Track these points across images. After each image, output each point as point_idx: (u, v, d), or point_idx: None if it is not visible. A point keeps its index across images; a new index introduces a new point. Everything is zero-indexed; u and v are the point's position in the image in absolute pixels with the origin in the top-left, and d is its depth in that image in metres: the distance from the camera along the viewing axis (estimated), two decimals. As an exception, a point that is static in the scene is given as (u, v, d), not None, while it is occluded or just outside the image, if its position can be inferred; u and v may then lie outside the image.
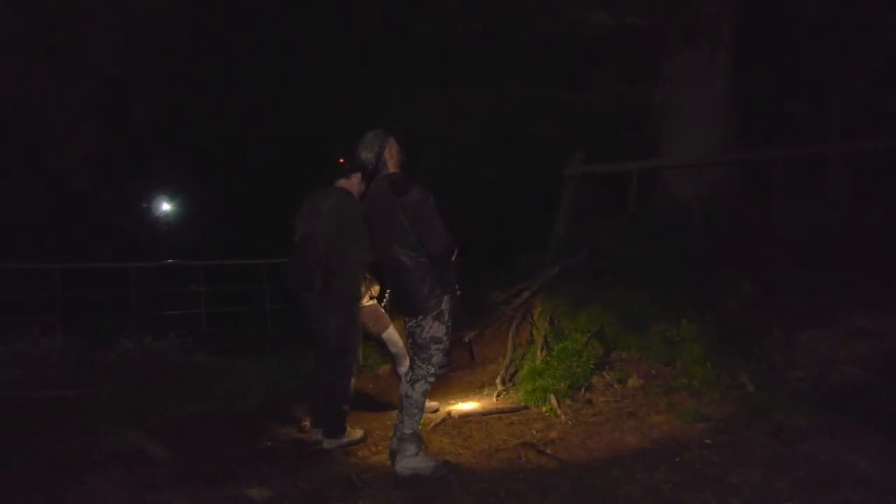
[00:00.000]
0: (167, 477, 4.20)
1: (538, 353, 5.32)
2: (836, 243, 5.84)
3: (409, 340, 3.93)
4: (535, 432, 4.29)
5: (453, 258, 3.77)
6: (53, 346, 6.10)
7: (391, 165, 3.86)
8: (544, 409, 4.60)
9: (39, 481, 3.92)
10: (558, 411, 4.47)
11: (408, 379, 3.81)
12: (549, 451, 3.93)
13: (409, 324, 3.83)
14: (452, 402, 5.13)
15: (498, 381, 5.28)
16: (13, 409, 5.20)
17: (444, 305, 3.73)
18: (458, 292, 3.84)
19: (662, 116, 7.85)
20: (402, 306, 3.86)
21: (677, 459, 3.51)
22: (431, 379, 3.78)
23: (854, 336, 4.55)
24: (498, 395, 5.07)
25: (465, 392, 5.39)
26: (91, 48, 7.98)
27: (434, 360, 3.75)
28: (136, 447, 4.60)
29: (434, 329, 3.72)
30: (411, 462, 3.66)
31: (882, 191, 6.26)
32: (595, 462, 3.65)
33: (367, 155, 3.84)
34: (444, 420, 4.66)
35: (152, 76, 8.50)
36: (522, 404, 4.76)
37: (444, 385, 5.51)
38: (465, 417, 4.68)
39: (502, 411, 4.72)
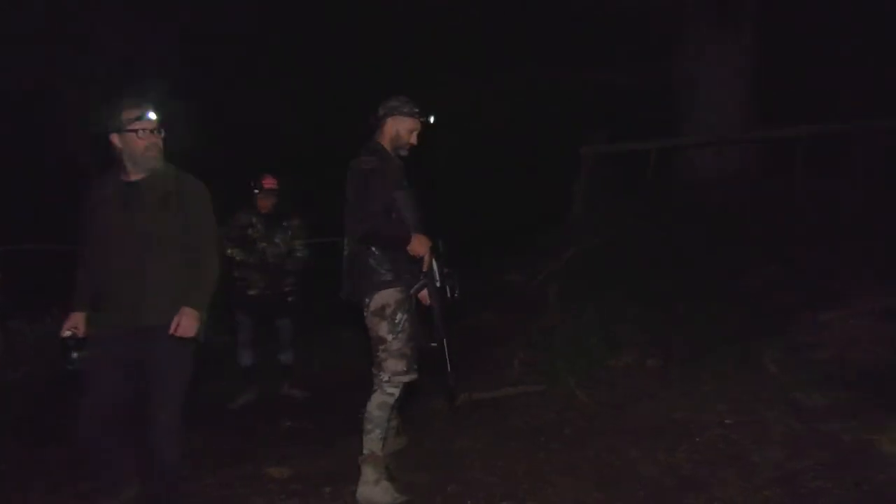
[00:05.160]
0: (189, 456, 4.27)
1: (556, 334, 5.31)
2: (860, 222, 5.74)
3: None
4: (553, 413, 4.29)
5: (402, 247, 3.24)
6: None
7: (384, 138, 3.41)
8: (563, 390, 4.59)
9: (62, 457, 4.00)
10: (577, 392, 4.46)
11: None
12: (567, 431, 3.93)
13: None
14: (470, 384, 5.15)
15: (516, 362, 5.27)
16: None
17: (388, 301, 3.24)
18: (417, 289, 3.33)
19: (683, 94, 7.73)
20: (346, 288, 3.41)
21: (698, 439, 3.50)
22: (390, 390, 3.26)
23: (878, 316, 4.47)
24: (515, 377, 5.06)
25: (484, 374, 5.40)
26: (98, 34, 8.04)
27: (385, 366, 3.25)
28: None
29: (375, 326, 3.27)
30: (368, 491, 3.20)
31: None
32: (614, 442, 3.64)
33: (378, 110, 3.42)
34: (463, 402, 4.67)
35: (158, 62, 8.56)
36: (540, 386, 4.76)
37: (462, 368, 5.53)
38: (484, 399, 4.69)
39: (521, 393, 4.72)
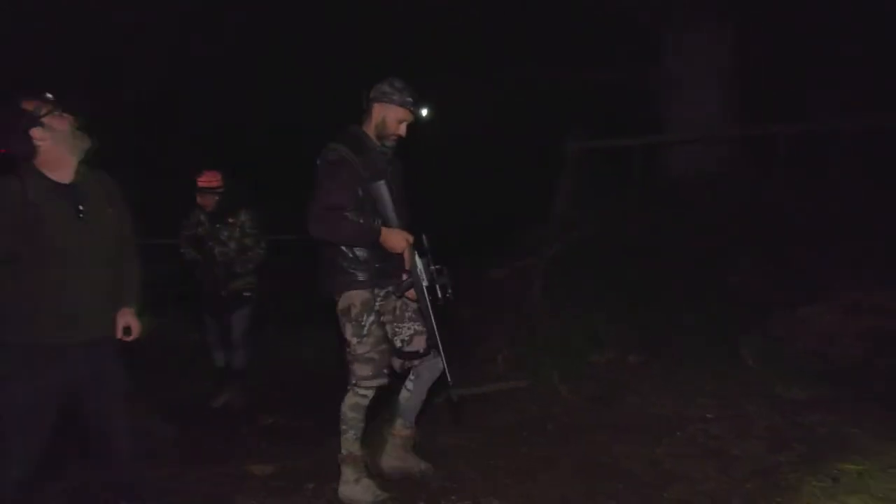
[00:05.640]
0: (171, 454, 4.24)
1: (540, 330, 5.32)
2: (837, 220, 5.82)
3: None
4: (537, 409, 4.31)
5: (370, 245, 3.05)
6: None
7: (369, 124, 3.17)
8: (547, 386, 4.61)
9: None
10: (561, 388, 4.48)
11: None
12: (550, 427, 3.95)
13: None
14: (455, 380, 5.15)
15: (500, 359, 5.29)
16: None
17: (353, 301, 3.08)
18: (402, 289, 3.07)
19: (667, 92, 7.78)
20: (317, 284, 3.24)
21: (679, 434, 3.53)
22: (362, 392, 3.12)
23: (854, 311, 4.55)
24: (499, 373, 5.07)
25: (468, 370, 5.40)
26: (85, 28, 7.94)
27: (352, 369, 3.12)
28: (140, 425, 4.64)
29: (342, 328, 3.13)
30: (349, 490, 3.15)
31: (885, 168, 6.21)
32: (597, 437, 3.67)
33: (370, 93, 3.17)
34: (445, 399, 4.68)
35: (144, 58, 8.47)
36: (524, 382, 4.77)
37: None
38: (468, 395, 4.68)
39: (505, 389, 4.73)
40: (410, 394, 3.37)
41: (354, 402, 3.15)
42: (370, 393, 3.15)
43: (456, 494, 3.23)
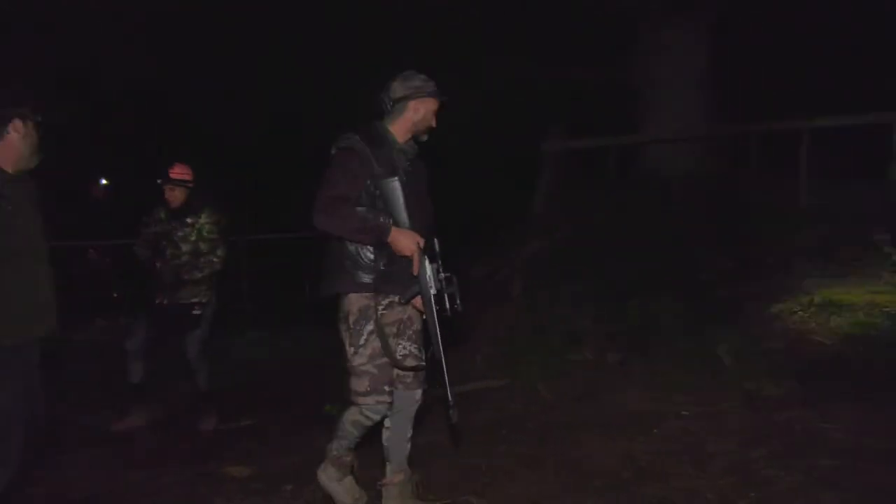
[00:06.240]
0: (146, 456, 4.21)
1: (518, 329, 5.35)
2: (809, 218, 5.91)
3: None
4: (516, 407, 4.33)
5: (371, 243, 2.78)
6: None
7: (400, 123, 2.91)
8: (525, 384, 4.63)
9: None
10: (539, 386, 4.51)
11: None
12: (529, 425, 3.97)
13: None
14: (433, 379, 5.16)
15: (479, 357, 5.30)
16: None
17: (351, 307, 2.82)
18: (408, 297, 2.80)
19: (643, 92, 7.85)
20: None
21: (656, 431, 3.57)
22: (366, 413, 2.86)
23: (826, 308, 4.63)
24: (479, 372, 5.09)
25: (447, 369, 5.41)
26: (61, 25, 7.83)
27: (352, 385, 2.85)
28: (115, 426, 4.59)
29: (340, 335, 2.89)
30: (331, 486, 2.98)
31: (856, 167, 6.33)
32: (575, 435, 3.70)
33: (392, 91, 2.90)
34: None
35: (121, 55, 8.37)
36: (503, 380, 4.79)
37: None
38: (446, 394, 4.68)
39: (484, 388, 4.74)
40: (391, 432, 3.02)
41: (356, 420, 2.89)
42: (372, 415, 2.87)
43: (434, 492, 3.23)
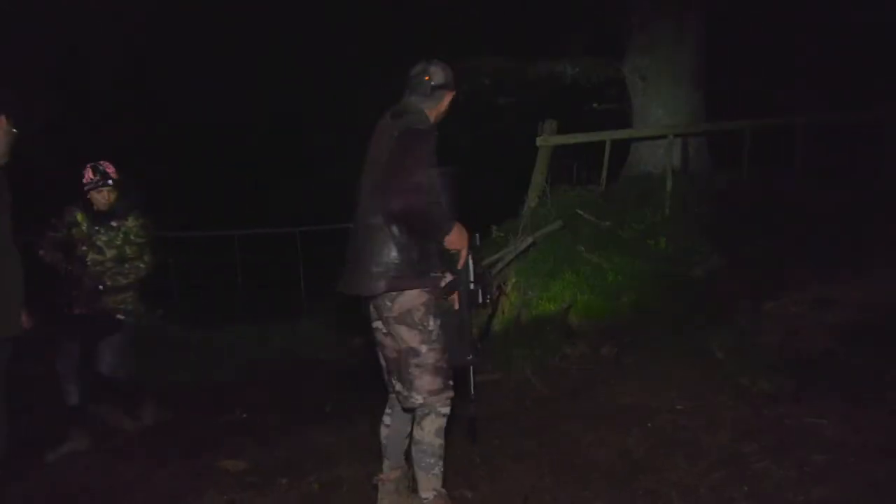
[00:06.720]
0: (140, 450, 4.20)
1: (512, 323, 5.37)
2: (801, 214, 5.95)
3: (380, 355, 2.90)
4: (509, 401, 4.34)
5: (441, 240, 2.64)
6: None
7: (434, 111, 2.86)
8: (519, 378, 4.65)
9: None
10: (533, 380, 4.52)
11: (415, 418, 2.78)
12: (523, 419, 3.99)
13: (378, 327, 2.79)
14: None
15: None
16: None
17: (415, 304, 2.66)
18: (447, 291, 2.69)
19: (633, 87, 7.86)
20: (346, 281, 2.76)
21: (649, 425, 3.59)
22: (444, 410, 2.71)
23: (819, 305, 4.66)
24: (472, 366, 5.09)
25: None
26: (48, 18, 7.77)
27: (418, 384, 2.68)
28: (107, 420, 4.58)
29: (403, 336, 2.68)
30: None
31: (849, 162, 6.37)
32: (569, 429, 3.71)
33: (435, 76, 2.83)
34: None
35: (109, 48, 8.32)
36: (497, 374, 4.80)
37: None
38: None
39: (477, 381, 4.74)
40: (390, 429, 2.99)
41: (439, 426, 2.71)
42: (447, 411, 2.73)
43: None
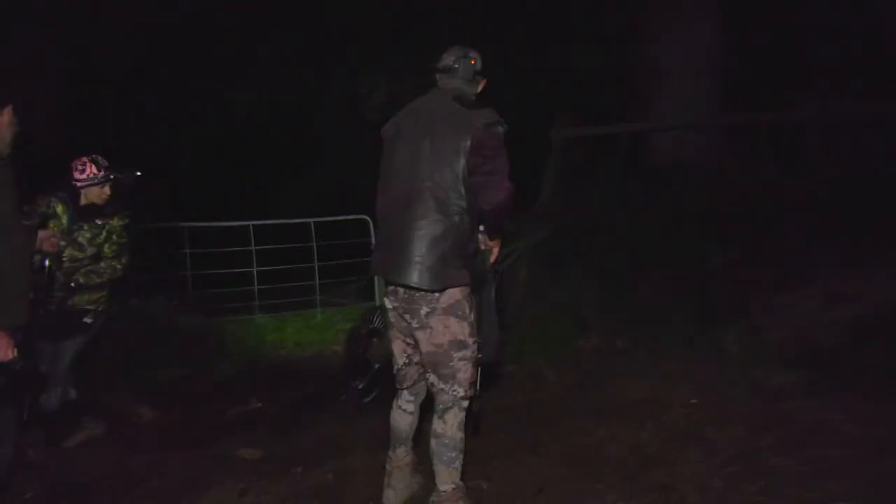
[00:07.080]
0: (155, 438, 4.25)
1: (525, 315, 5.36)
2: (816, 208, 5.90)
3: (409, 349, 2.82)
4: (522, 394, 4.35)
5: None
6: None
7: (474, 91, 2.82)
8: (532, 371, 4.65)
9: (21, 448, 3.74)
10: (546, 373, 4.53)
11: (436, 412, 2.74)
12: (535, 411, 4.00)
13: (407, 319, 2.68)
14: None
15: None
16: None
17: (461, 296, 2.62)
18: (476, 287, 2.67)
19: (650, 80, 7.80)
20: (390, 267, 2.64)
21: (663, 418, 3.59)
22: (465, 404, 2.71)
23: (833, 299, 4.63)
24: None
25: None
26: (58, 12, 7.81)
27: (460, 377, 2.64)
28: (123, 409, 4.63)
29: (451, 327, 2.61)
30: None
31: (864, 156, 6.31)
32: (582, 422, 3.72)
33: (473, 62, 2.80)
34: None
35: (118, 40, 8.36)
36: (510, 367, 4.81)
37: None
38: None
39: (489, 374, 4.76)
40: (413, 416, 2.98)
41: (461, 420, 2.71)
42: (466, 404, 2.75)
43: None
